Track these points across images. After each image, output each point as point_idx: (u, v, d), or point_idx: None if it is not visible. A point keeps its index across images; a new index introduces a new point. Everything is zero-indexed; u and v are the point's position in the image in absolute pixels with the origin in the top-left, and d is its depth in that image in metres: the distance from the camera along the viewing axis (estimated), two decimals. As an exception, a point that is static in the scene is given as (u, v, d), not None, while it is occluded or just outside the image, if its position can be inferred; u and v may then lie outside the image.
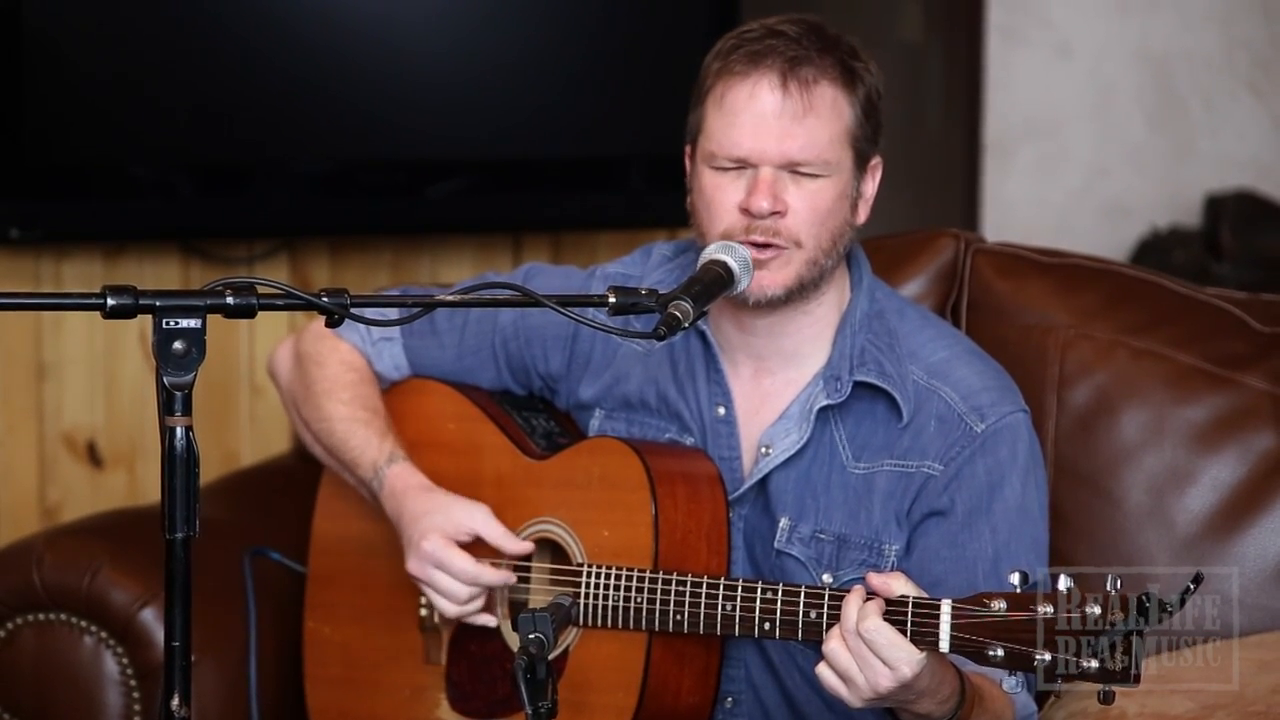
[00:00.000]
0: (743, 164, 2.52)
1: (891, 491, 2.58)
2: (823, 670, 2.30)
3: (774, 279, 2.53)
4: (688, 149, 2.62)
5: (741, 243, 2.50)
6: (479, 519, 2.64)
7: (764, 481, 2.61)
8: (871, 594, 2.29)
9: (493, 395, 2.81)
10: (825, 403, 2.59)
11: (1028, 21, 4.92)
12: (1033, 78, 4.94)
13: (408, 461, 2.71)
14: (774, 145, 2.50)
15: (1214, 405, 2.84)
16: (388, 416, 2.78)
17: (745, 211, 2.51)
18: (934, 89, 5.30)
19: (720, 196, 2.53)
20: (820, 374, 2.62)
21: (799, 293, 2.56)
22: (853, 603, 2.28)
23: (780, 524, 2.60)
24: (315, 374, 2.81)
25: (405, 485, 2.69)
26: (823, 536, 2.59)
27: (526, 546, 2.64)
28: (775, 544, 2.60)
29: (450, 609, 2.64)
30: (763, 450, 2.62)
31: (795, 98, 2.51)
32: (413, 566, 2.64)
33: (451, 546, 2.62)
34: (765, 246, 2.51)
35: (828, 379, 2.60)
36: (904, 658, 2.24)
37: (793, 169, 2.51)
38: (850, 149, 2.55)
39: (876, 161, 2.61)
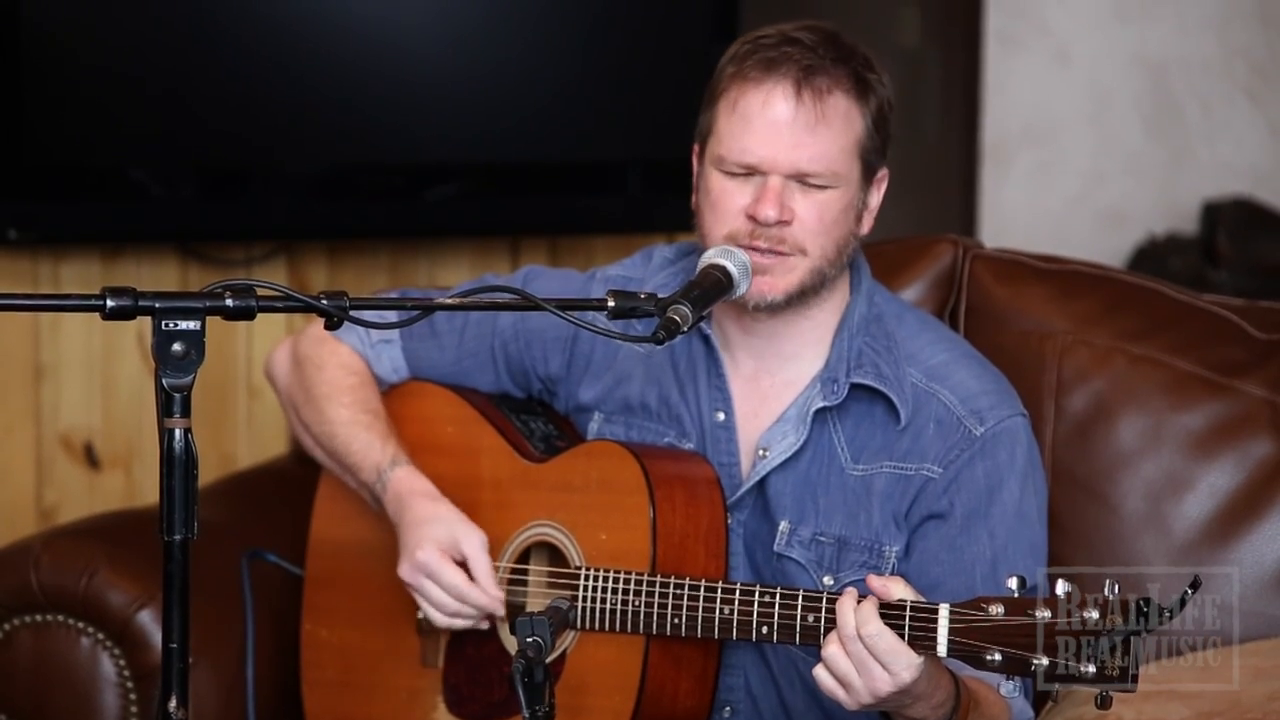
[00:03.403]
0: (752, 170, 2.52)
1: (890, 493, 2.58)
2: (820, 674, 2.30)
3: (775, 284, 2.53)
4: (695, 149, 2.62)
5: (745, 248, 2.50)
6: (473, 545, 2.62)
7: (763, 485, 2.61)
8: (863, 596, 2.29)
9: (491, 398, 2.81)
10: (822, 404, 2.59)
11: (1026, 28, 4.93)
12: (1030, 84, 4.94)
13: (411, 465, 2.71)
14: (785, 154, 2.50)
15: (1211, 412, 2.84)
16: (389, 419, 2.77)
17: (751, 218, 2.51)
18: (932, 95, 5.31)
19: (726, 201, 2.53)
20: (818, 376, 2.62)
21: (799, 298, 2.56)
22: (847, 606, 2.28)
23: (780, 527, 2.60)
24: (315, 377, 2.81)
25: (410, 490, 2.68)
26: (823, 539, 2.59)
27: (497, 595, 2.61)
28: (775, 547, 2.60)
29: (439, 619, 2.64)
30: (760, 453, 2.62)
31: (808, 107, 2.50)
32: (404, 571, 2.64)
33: (445, 560, 2.62)
34: (769, 252, 2.51)
35: (825, 381, 2.60)
36: (903, 662, 2.24)
37: (801, 179, 2.51)
38: (859, 160, 2.55)
39: (883, 174, 2.60)
